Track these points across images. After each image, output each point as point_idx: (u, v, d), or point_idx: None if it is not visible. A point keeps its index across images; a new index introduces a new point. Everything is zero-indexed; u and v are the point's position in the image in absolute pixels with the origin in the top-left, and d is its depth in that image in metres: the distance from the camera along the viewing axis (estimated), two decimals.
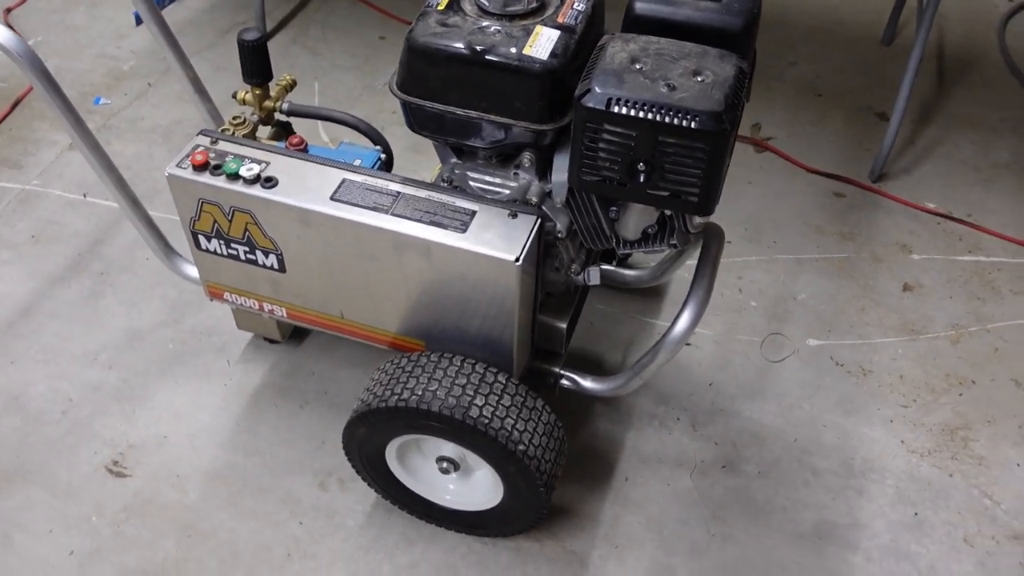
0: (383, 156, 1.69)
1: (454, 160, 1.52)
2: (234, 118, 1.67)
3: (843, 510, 1.79)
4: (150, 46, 2.68)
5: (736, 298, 2.16)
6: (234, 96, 1.72)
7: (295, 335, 2.01)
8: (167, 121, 2.52)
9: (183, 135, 2.46)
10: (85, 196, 2.30)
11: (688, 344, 2.06)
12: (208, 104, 1.93)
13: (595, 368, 2.00)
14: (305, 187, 1.45)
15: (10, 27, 2.72)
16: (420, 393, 1.45)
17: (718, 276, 2.17)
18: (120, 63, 2.70)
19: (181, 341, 2.01)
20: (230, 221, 1.50)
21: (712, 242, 1.60)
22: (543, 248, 1.48)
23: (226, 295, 1.68)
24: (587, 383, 1.70)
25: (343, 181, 1.46)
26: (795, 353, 2.06)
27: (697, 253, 1.57)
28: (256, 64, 1.64)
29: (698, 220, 1.43)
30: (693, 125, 1.20)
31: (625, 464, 1.85)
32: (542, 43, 1.29)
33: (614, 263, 1.96)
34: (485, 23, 1.33)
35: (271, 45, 2.75)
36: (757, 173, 2.48)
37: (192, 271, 1.73)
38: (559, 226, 1.47)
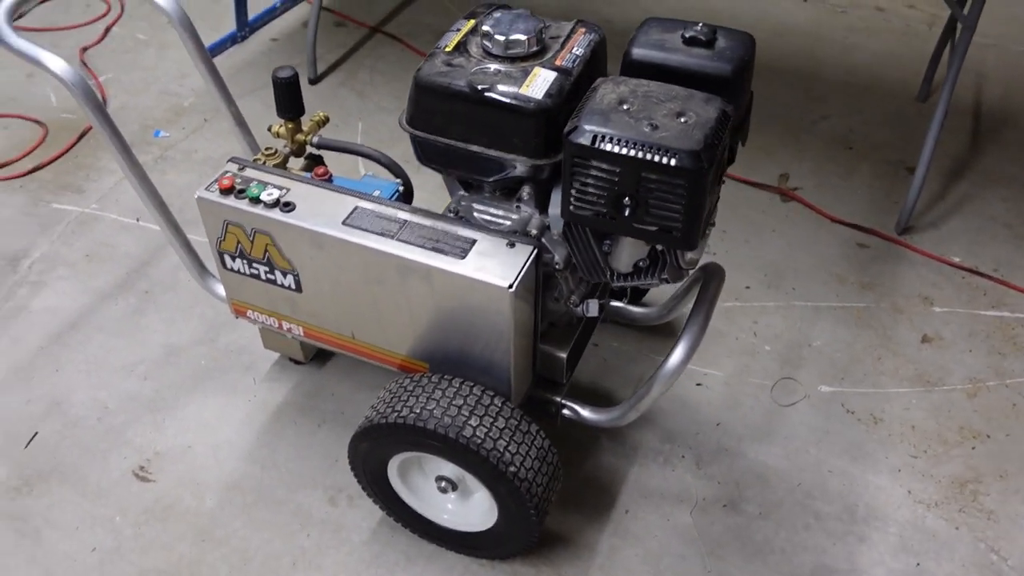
0: (401, 188, 1.79)
1: (461, 193, 1.61)
2: (266, 149, 1.80)
3: (842, 556, 1.80)
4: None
5: (750, 341, 2.19)
6: (269, 129, 1.85)
7: (319, 357, 2.11)
8: (218, 154, 2.68)
9: None
10: (138, 221, 2.46)
11: (698, 384, 2.09)
12: (249, 137, 2.06)
13: (605, 403, 2.04)
14: (320, 212, 1.56)
15: (84, 64, 2.96)
16: (418, 411, 1.53)
17: (733, 319, 2.24)
18: (181, 100, 2.89)
19: (213, 358, 2.12)
20: (252, 242, 1.62)
21: (711, 280, 1.65)
22: (542, 279, 1.56)
23: (249, 313, 1.79)
24: (586, 413, 1.76)
25: (355, 208, 1.57)
26: (806, 398, 2.08)
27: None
28: (288, 100, 1.77)
29: (689, 256, 1.48)
30: (672, 162, 1.27)
31: (627, 497, 1.89)
32: (538, 83, 1.39)
33: (624, 300, 2.01)
34: (488, 64, 1.43)
35: (321, 87, 2.93)
36: (782, 222, 2.51)
37: (222, 290, 1.84)
38: (557, 257, 1.54)
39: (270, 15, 3.23)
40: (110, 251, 2.38)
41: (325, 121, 1.90)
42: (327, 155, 1.88)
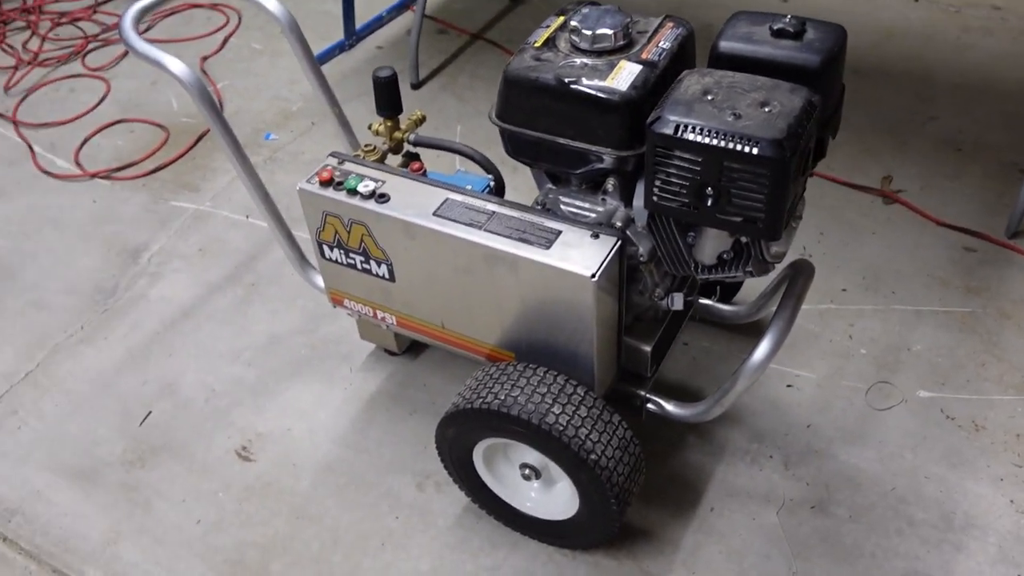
0: (493, 184, 1.84)
1: (549, 185, 1.65)
2: (366, 146, 1.87)
3: (937, 563, 1.74)
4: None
5: (845, 344, 2.14)
6: (369, 127, 1.93)
7: (412, 348, 2.18)
8: (324, 155, 2.78)
9: None
10: (247, 218, 2.59)
11: (789, 386, 2.06)
12: (352, 138, 2.15)
13: (693, 401, 2.04)
14: (412, 203, 1.62)
15: (204, 72, 3.14)
16: (502, 398, 1.57)
17: (828, 322, 2.20)
18: (290, 104, 3.03)
19: (312, 347, 2.22)
20: (348, 232, 1.70)
21: (799, 276, 1.63)
22: (626, 271, 1.57)
23: (346, 302, 1.87)
24: (671, 407, 1.76)
25: (446, 200, 1.62)
26: (903, 403, 2.02)
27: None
28: (387, 98, 1.84)
29: (775, 248, 1.48)
30: (755, 151, 1.27)
31: (712, 495, 1.88)
32: (623, 76, 1.41)
33: (714, 298, 2.00)
34: (575, 58, 1.46)
35: (423, 91, 3.02)
36: (883, 225, 2.45)
37: (320, 280, 1.93)
38: (641, 250, 1.56)
39: (377, 24, 3.35)
40: (221, 246, 2.52)
41: (422, 120, 1.97)
42: (424, 152, 1.95)
